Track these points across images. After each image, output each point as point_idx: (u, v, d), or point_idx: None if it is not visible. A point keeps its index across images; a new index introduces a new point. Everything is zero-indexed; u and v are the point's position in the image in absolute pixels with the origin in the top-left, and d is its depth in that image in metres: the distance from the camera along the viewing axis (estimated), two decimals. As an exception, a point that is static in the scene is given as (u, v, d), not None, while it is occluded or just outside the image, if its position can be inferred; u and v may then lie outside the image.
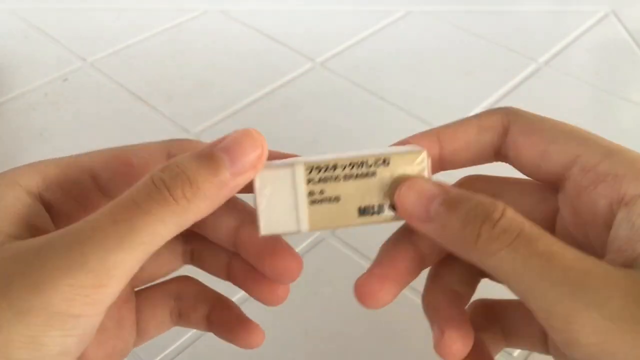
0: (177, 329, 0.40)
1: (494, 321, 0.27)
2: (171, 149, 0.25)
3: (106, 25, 0.68)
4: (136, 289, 0.27)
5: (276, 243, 0.24)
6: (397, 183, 0.23)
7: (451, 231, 0.21)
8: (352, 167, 0.22)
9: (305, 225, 0.22)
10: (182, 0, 0.71)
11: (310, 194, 0.22)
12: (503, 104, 0.57)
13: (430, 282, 0.26)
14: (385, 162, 0.23)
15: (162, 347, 0.39)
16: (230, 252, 0.26)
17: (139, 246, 0.20)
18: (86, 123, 0.56)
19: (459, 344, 0.24)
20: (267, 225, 0.22)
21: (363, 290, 0.24)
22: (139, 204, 0.20)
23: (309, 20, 0.69)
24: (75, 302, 0.19)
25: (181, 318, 0.28)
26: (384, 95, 0.58)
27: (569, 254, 0.19)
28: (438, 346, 0.24)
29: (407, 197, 0.22)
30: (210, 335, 0.35)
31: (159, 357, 0.38)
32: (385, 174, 0.23)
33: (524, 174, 0.25)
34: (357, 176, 0.23)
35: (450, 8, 0.70)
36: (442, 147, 0.25)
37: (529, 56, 0.63)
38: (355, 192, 0.23)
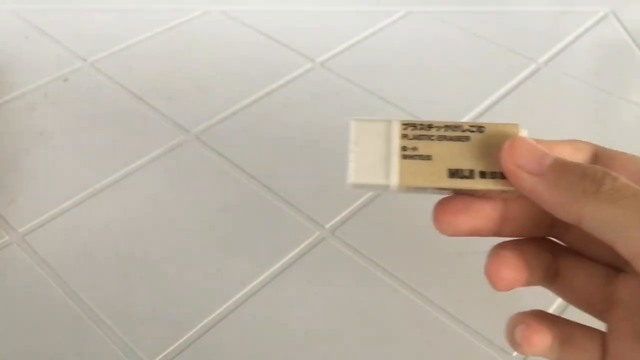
0: (175, 327, 0.40)
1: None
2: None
3: (106, 25, 0.68)
4: None
5: None
6: (490, 150, 0.23)
7: (566, 183, 0.21)
8: (447, 129, 0.23)
9: (395, 180, 0.22)
10: (182, 0, 0.71)
11: (404, 148, 0.22)
12: (503, 104, 0.57)
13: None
14: (480, 129, 0.23)
15: (162, 347, 0.39)
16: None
17: None
18: (86, 123, 0.56)
19: (511, 268, 0.24)
20: (356, 174, 0.22)
21: (444, 209, 0.24)
22: None
23: (309, 20, 0.69)
24: None
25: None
26: (384, 95, 0.58)
27: None
28: (488, 266, 0.24)
29: (520, 149, 0.22)
30: (211, 335, 0.35)
31: (159, 357, 0.38)
32: (479, 140, 0.23)
33: None
34: (451, 138, 0.23)
35: (450, 8, 0.70)
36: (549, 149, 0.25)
37: (529, 56, 0.63)
38: (448, 153, 0.23)
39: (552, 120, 0.56)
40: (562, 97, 0.59)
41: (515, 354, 0.38)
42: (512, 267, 0.24)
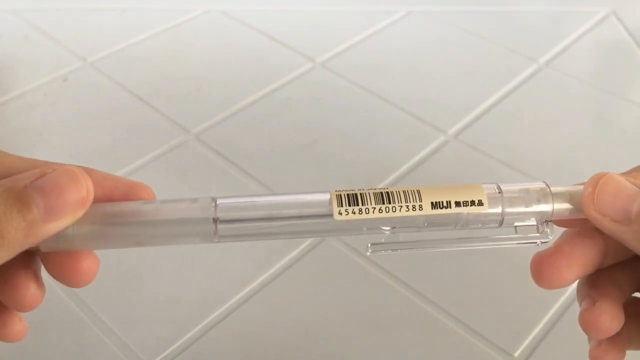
0: (175, 327, 0.40)
1: None
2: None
3: (106, 25, 0.68)
4: None
5: None
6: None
7: None
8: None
9: None
10: (182, 0, 0.71)
11: None
12: (504, 104, 0.57)
13: (595, 272, 0.24)
14: None
15: (162, 347, 0.39)
16: None
17: None
18: (86, 123, 0.55)
19: (608, 316, 0.22)
20: None
21: (546, 265, 0.22)
22: None
23: (309, 20, 0.69)
24: None
25: None
26: (384, 96, 0.58)
27: None
28: (585, 315, 0.22)
29: (604, 193, 0.21)
30: (211, 336, 0.35)
31: (159, 357, 0.38)
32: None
33: None
34: None
35: (450, 8, 0.70)
36: None
37: (529, 56, 0.63)
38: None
39: (553, 121, 0.56)
40: (563, 97, 0.59)
41: (516, 354, 0.38)
42: (611, 315, 0.22)
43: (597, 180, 0.21)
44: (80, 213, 0.19)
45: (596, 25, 0.68)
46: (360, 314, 0.41)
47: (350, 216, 0.21)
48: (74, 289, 0.41)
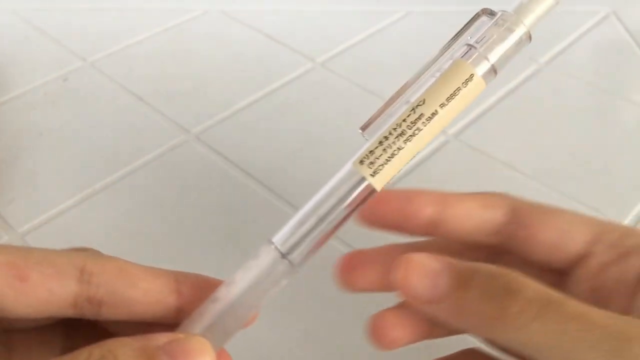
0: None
1: None
2: (87, 264, 0.22)
3: (106, 25, 0.68)
4: None
5: None
6: None
7: (468, 309, 0.20)
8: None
9: None
10: (182, 0, 0.71)
11: None
12: (504, 104, 0.57)
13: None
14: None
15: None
16: None
17: None
18: (86, 123, 0.55)
19: (397, 327, 0.24)
20: None
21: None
22: None
23: (309, 20, 0.69)
24: None
25: None
26: (384, 96, 0.57)
27: (599, 313, 0.19)
28: (371, 325, 0.24)
29: (409, 278, 0.21)
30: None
31: (158, 358, 0.38)
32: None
33: (533, 257, 0.24)
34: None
35: (450, 8, 0.70)
36: (447, 206, 0.24)
37: (529, 56, 0.63)
38: None
39: (553, 121, 0.56)
40: (563, 97, 0.59)
41: (515, 354, 0.38)
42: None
43: (406, 264, 0.21)
44: None
45: (596, 25, 0.68)
46: (360, 314, 0.41)
47: (378, 165, 0.22)
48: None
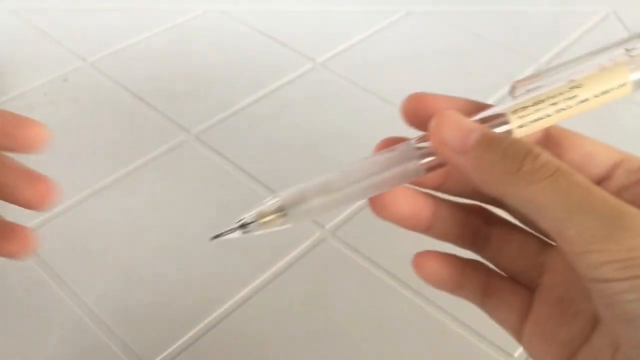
0: (175, 327, 0.40)
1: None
2: None
3: (106, 25, 0.68)
4: None
5: None
6: None
7: (489, 162, 0.22)
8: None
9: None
10: (182, 0, 0.71)
11: None
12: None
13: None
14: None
15: (162, 347, 0.39)
16: None
17: None
18: (86, 123, 0.55)
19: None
20: None
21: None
22: None
23: (309, 20, 0.69)
24: None
25: None
26: (384, 96, 0.58)
27: (601, 191, 0.21)
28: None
29: (443, 125, 0.23)
30: (211, 336, 0.35)
31: (159, 357, 0.38)
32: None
33: None
34: None
35: (450, 8, 0.70)
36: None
37: (529, 56, 0.63)
38: None
39: (553, 121, 0.56)
40: (563, 97, 0.59)
41: (516, 354, 0.38)
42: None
43: (441, 115, 0.24)
44: None
45: (596, 25, 0.68)
46: (360, 314, 0.41)
47: (527, 121, 0.24)
48: (73, 288, 0.41)
